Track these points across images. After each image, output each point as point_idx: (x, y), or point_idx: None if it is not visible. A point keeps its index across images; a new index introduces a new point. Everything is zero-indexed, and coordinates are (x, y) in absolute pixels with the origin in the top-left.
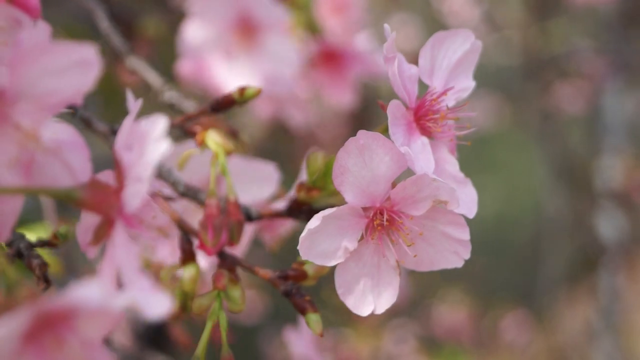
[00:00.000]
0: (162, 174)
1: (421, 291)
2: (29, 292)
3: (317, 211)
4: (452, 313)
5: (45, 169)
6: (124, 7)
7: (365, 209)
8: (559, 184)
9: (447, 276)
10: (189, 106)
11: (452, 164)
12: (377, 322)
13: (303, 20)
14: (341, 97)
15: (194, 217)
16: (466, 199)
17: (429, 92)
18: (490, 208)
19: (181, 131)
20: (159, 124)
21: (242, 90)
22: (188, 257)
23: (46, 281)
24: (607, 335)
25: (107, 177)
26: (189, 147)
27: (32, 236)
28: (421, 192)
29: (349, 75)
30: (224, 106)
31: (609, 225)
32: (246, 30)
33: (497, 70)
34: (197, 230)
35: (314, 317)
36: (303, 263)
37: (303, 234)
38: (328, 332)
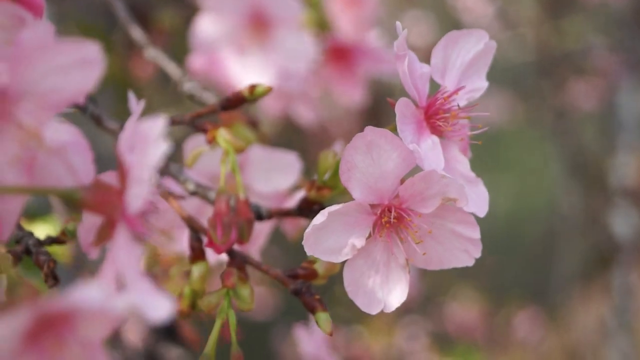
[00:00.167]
0: (171, 172)
1: (433, 288)
2: (30, 292)
3: None
4: (464, 310)
5: (47, 169)
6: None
7: (373, 206)
8: (572, 182)
9: (460, 273)
10: (209, 97)
11: (462, 164)
12: (390, 320)
13: (314, 17)
14: (351, 94)
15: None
16: (477, 198)
17: (440, 91)
18: (503, 205)
19: (192, 128)
20: (158, 124)
21: (252, 87)
22: (197, 255)
23: (54, 278)
24: (621, 333)
25: (110, 178)
26: (200, 142)
27: (40, 233)
28: (430, 189)
29: (359, 72)
30: (234, 104)
31: (623, 223)
32: (259, 25)
33: (511, 68)
34: (206, 228)
35: (323, 316)
36: (313, 262)
37: (308, 230)
38: (341, 329)
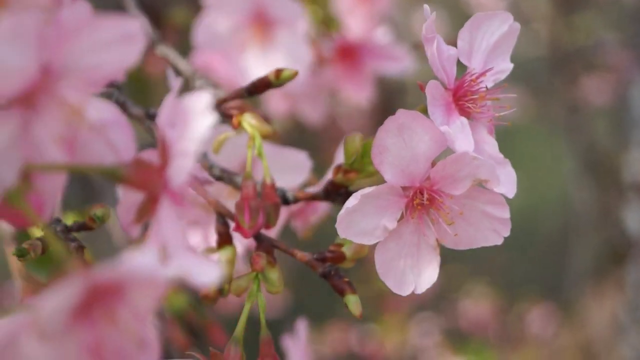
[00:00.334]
0: (197, 157)
1: (447, 285)
2: (81, 264)
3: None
4: (477, 307)
5: (89, 147)
6: None
7: (404, 188)
8: (585, 177)
9: (473, 269)
10: (219, 94)
11: (491, 145)
12: (403, 316)
13: (320, 16)
14: (359, 93)
15: (228, 202)
16: (506, 180)
17: (468, 72)
18: (515, 201)
19: (217, 113)
20: (204, 98)
21: (278, 72)
22: (224, 239)
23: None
24: (635, 329)
25: (149, 155)
26: (224, 130)
27: (68, 219)
28: (461, 171)
29: (366, 70)
30: (260, 89)
31: (636, 219)
32: (261, 25)
33: (524, 63)
34: (233, 213)
35: (353, 299)
36: (341, 245)
37: (341, 212)
38: (354, 327)
